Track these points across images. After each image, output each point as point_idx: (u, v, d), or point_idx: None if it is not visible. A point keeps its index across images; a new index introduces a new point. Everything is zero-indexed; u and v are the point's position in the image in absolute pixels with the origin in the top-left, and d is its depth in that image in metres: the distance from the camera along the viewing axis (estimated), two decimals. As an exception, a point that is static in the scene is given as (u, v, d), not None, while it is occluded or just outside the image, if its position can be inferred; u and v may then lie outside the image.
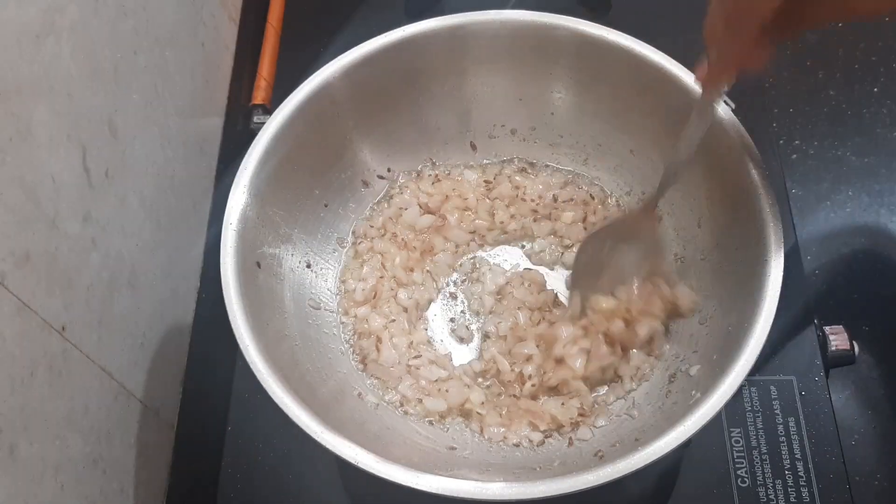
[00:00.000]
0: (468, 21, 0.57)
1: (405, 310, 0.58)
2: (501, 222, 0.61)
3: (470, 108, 0.62)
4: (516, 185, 0.62)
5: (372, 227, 0.61)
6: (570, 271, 0.59)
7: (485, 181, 0.63)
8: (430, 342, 0.58)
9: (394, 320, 0.57)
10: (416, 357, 0.56)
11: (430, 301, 0.59)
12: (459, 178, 0.63)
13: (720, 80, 0.44)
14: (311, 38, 0.76)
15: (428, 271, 0.60)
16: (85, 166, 0.48)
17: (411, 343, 0.57)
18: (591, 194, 0.62)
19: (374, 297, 0.58)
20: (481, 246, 0.61)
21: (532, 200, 0.62)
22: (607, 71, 0.56)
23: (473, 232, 0.61)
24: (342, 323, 0.58)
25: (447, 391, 0.54)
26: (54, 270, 0.44)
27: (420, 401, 0.54)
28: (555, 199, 0.61)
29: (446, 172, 0.63)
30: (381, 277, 0.59)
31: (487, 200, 0.62)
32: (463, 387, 0.54)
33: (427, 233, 0.61)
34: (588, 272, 0.56)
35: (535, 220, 0.61)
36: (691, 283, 0.55)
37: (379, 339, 0.56)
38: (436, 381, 0.55)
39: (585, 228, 0.60)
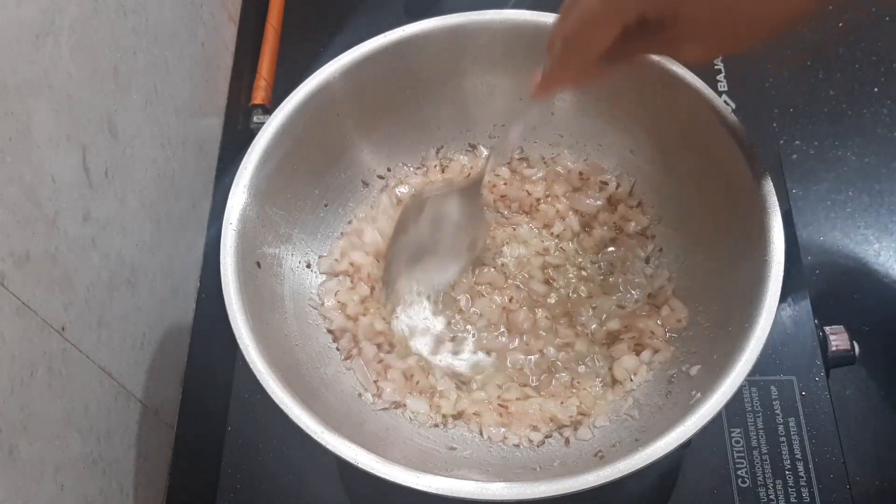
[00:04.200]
0: (468, 21, 0.56)
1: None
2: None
3: (470, 108, 0.62)
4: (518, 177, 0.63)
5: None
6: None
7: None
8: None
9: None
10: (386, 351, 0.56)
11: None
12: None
13: (551, 90, 0.46)
14: (311, 38, 0.76)
15: None
16: (85, 166, 0.48)
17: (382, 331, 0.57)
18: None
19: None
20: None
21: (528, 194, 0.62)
22: (607, 71, 0.56)
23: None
24: (325, 318, 0.58)
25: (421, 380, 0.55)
26: (54, 270, 0.44)
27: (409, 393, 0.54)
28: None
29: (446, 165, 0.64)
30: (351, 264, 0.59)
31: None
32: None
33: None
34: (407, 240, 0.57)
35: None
36: (691, 285, 0.55)
37: (355, 338, 0.56)
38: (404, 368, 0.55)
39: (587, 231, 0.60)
